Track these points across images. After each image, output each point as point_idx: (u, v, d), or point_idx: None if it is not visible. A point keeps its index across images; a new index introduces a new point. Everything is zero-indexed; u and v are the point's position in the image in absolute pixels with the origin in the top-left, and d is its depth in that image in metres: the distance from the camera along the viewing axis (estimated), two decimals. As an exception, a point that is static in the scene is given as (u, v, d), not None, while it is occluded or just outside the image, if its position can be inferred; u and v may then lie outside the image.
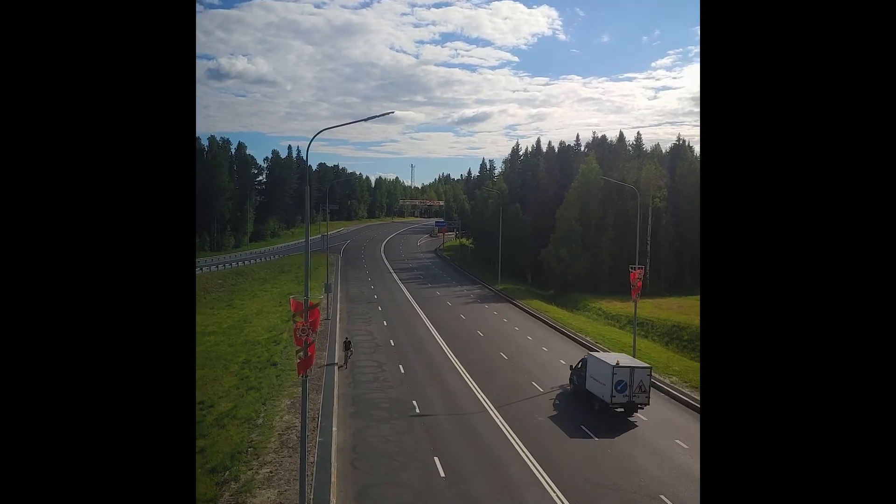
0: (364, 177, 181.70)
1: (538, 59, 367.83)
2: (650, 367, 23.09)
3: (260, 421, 21.77)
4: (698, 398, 23.40)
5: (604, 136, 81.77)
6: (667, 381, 27.24)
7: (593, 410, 22.88)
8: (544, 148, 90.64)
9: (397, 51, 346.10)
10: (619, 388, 21.76)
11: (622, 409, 22.22)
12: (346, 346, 30.26)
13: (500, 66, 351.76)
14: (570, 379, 25.81)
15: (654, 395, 23.58)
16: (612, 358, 23.14)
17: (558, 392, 25.69)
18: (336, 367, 28.33)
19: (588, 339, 36.55)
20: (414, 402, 23.77)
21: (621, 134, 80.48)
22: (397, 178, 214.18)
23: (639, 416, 22.52)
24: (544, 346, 35.35)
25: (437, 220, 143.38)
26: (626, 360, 23.21)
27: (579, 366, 25.08)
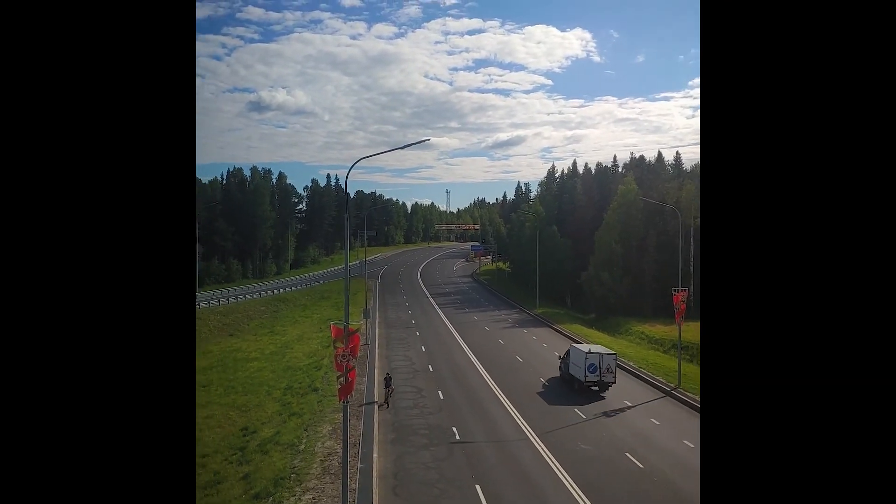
0: (400, 203, 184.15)
1: (572, 82, 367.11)
2: (615, 354, 30.20)
3: (302, 447, 21.96)
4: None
5: (642, 157, 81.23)
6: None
7: (573, 389, 29.38)
8: (581, 170, 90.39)
9: (431, 78, 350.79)
10: (590, 370, 28.38)
11: (596, 388, 28.59)
12: (387, 382, 27.91)
13: (534, 90, 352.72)
14: (559, 367, 32.04)
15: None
16: (586, 347, 30.21)
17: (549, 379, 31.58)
18: (375, 406, 26.29)
19: (631, 363, 35.81)
20: (454, 429, 23.63)
21: (660, 154, 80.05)
22: (433, 203, 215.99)
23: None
24: (585, 370, 34.74)
25: (473, 244, 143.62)
26: (597, 349, 30.19)
27: (564, 356, 31.57)
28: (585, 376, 28.41)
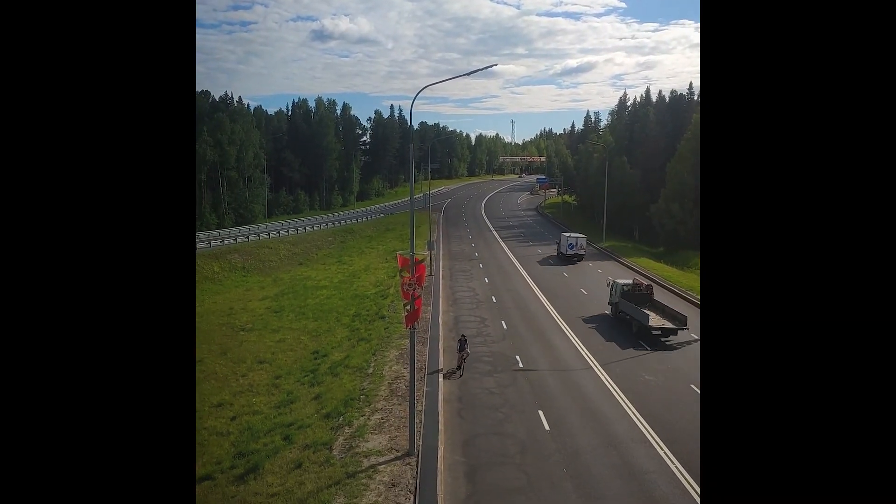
0: (464, 134, 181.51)
1: (647, 4, 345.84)
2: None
3: (370, 370, 22.86)
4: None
5: (720, 83, 76.04)
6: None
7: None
8: (654, 98, 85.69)
9: (497, 2, 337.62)
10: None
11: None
12: (461, 345, 22.55)
13: (606, 13, 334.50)
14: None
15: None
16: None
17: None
18: (440, 376, 21.36)
19: (698, 297, 34.94)
20: (517, 357, 23.97)
21: (740, 79, 74.54)
22: (497, 134, 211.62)
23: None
24: (652, 304, 34.23)
25: (538, 176, 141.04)
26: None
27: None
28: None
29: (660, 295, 36.19)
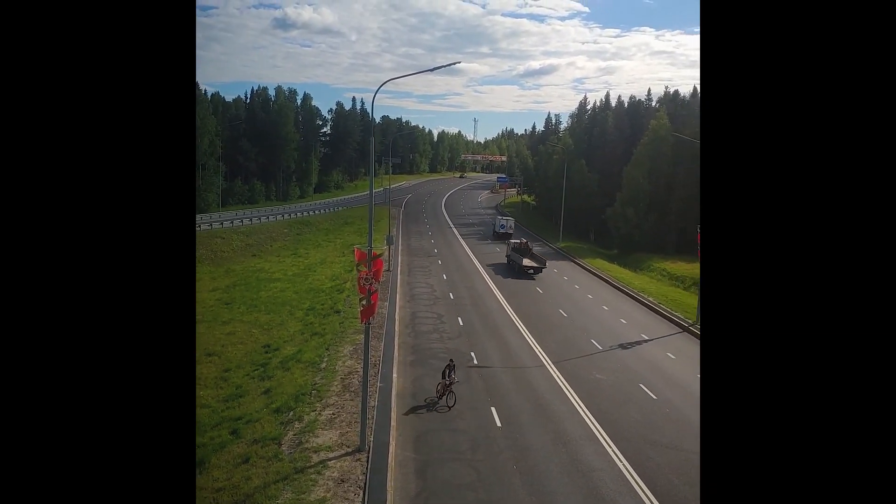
0: (427, 130, 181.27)
1: (610, 10, 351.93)
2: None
3: (323, 365, 22.56)
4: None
5: (676, 92, 77.83)
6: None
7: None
8: (613, 102, 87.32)
9: (463, 0, 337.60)
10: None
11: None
12: (447, 371, 18.87)
13: (570, 17, 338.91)
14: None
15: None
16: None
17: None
18: (425, 403, 18.92)
19: (650, 299, 35.78)
20: (472, 354, 24.03)
21: (695, 89, 76.39)
22: (460, 132, 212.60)
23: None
24: (605, 304, 34.89)
25: (498, 175, 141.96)
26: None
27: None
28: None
29: (612, 295, 36.78)
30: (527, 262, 42.24)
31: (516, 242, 46.52)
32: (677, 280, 44.20)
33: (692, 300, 34.41)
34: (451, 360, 19.65)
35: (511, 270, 43.01)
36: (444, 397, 18.77)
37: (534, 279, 40.89)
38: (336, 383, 20.51)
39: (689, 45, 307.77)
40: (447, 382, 18.81)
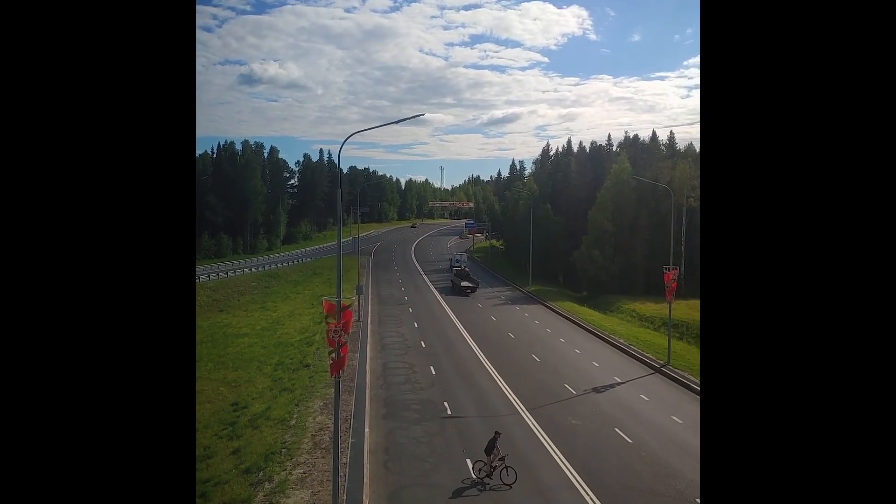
0: (394, 179, 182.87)
1: (568, 60, 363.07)
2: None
3: (293, 422, 21.98)
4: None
5: (636, 136, 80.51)
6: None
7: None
8: (575, 148, 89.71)
9: (427, 53, 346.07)
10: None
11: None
12: (492, 444, 16.77)
13: (530, 67, 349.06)
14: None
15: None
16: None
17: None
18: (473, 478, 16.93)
19: (621, 340, 36.01)
20: (445, 404, 23.72)
21: (654, 133, 79.21)
22: (427, 179, 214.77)
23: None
24: (576, 348, 34.98)
25: (466, 221, 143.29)
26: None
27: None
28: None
29: (583, 338, 37.09)
30: (464, 283, 55.38)
31: (458, 268, 60.70)
32: (646, 321, 44.66)
33: (662, 340, 34.74)
34: (496, 432, 17.31)
35: (454, 290, 55.74)
36: (499, 473, 16.57)
37: (470, 297, 53.03)
38: (307, 440, 19.96)
39: (646, 90, 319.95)
40: (493, 459, 16.58)
